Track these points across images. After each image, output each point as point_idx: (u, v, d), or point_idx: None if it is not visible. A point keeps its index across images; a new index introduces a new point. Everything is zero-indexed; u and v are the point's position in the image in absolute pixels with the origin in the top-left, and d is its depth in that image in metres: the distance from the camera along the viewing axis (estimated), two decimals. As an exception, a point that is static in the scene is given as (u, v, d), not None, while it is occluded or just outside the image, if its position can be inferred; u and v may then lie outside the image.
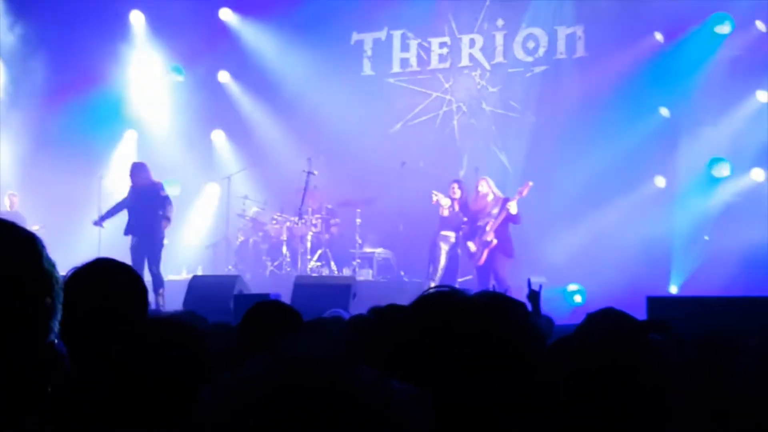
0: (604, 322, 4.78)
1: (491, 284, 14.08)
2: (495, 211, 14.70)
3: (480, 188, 15.02)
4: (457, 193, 15.37)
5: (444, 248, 15.31)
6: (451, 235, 15.34)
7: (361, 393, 1.17)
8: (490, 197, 14.93)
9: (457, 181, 15.65)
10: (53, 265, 1.66)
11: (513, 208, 14.50)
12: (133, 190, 15.12)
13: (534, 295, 6.97)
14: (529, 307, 6.72)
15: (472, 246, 14.80)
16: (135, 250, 14.64)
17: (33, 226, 13.97)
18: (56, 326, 1.64)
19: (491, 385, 1.98)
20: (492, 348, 2.04)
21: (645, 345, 4.11)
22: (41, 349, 1.60)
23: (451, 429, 1.70)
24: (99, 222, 15.51)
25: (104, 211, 15.62)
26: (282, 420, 1.12)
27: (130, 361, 2.77)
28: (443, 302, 2.17)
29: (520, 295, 5.48)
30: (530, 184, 14.62)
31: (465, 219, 15.19)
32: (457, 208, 15.27)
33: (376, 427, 1.14)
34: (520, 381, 2.00)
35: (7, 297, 1.56)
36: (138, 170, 15.22)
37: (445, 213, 15.41)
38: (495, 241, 14.53)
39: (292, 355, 1.21)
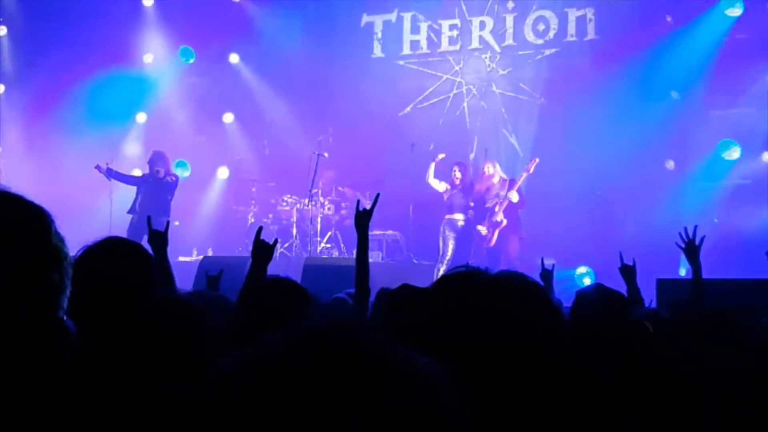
0: (595, 301, 4.80)
1: (501, 262, 14.12)
2: (503, 192, 14.74)
3: (486, 170, 15.08)
4: (458, 176, 15.38)
5: (450, 234, 15.30)
6: (459, 218, 15.33)
7: (386, 364, 1.17)
8: (496, 179, 14.98)
9: (458, 164, 15.67)
10: (62, 241, 1.66)
11: (513, 196, 14.54)
12: (149, 175, 15.28)
13: (547, 274, 6.98)
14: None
15: (482, 229, 14.83)
16: (133, 229, 14.71)
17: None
18: (65, 303, 1.63)
19: (511, 363, 1.99)
20: (513, 325, 2.05)
21: (634, 323, 4.13)
22: (49, 324, 1.60)
23: (471, 405, 1.72)
24: (108, 173, 15.77)
25: (119, 171, 15.80)
26: (304, 391, 1.11)
27: (137, 339, 2.79)
28: (466, 280, 2.18)
29: (532, 276, 5.49)
30: (536, 160, 14.69)
31: (471, 203, 15.21)
32: (459, 189, 15.29)
33: (402, 399, 1.13)
34: (540, 359, 2.02)
35: (14, 271, 1.55)
36: (157, 158, 15.44)
37: (446, 197, 15.43)
38: (505, 221, 14.56)
39: (314, 326, 1.21)
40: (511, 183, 14.76)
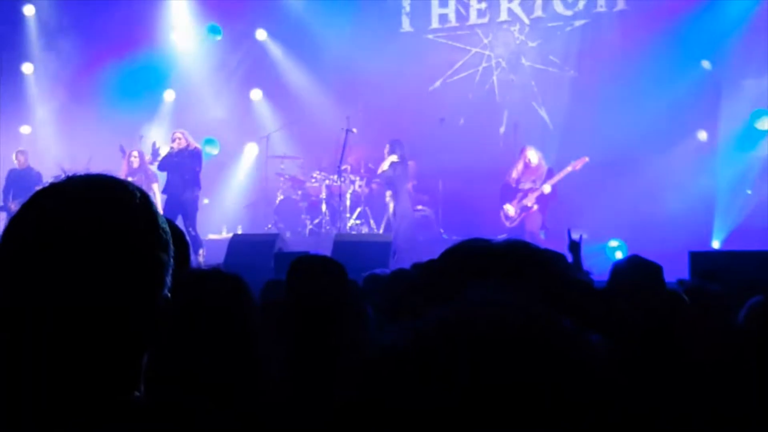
0: (630, 272, 4.76)
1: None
2: (540, 180, 14.69)
3: (531, 158, 14.83)
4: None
5: None
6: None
7: (561, 343, 1.17)
8: (535, 162, 14.80)
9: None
10: (165, 222, 1.74)
11: (546, 188, 14.46)
12: (177, 152, 15.38)
13: (575, 246, 6.92)
14: (570, 258, 6.67)
15: (510, 209, 14.74)
16: (168, 208, 14.80)
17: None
18: (169, 280, 1.72)
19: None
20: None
21: (670, 294, 4.09)
22: (161, 302, 1.69)
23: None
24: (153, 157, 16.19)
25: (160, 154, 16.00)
26: (483, 367, 1.11)
27: (177, 313, 2.78)
28: (472, 249, 2.15)
29: (560, 248, 5.44)
30: (586, 159, 14.54)
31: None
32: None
33: (577, 377, 1.14)
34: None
35: (136, 255, 1.65)
36: (178, 136, 15.59)
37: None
38: (536, 207, 14.48)
39: (487, 303, 1.20)
40: (549, 173, 14.66)
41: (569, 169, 14.60)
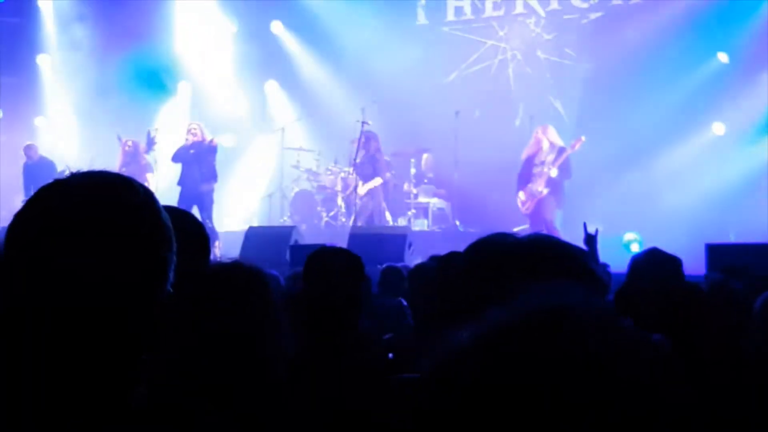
0: (649, 265, 4.75)
1: (542, 230, 13.99)
2: (551, 158, 14.55)
3: (544, 141, 14.74)
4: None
5: None
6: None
7: (626, 343, 1.17)
8: (546, 144, 14.67)
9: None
10: (168, 218, 1.73)
11: (553, 172, 14.36)
12: (192, 144, 15.43)
13: (590, 240, 6.91)
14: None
15: (522, 195, 14.67)
16: (183, 199, 14.85)
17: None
18: (172, 276, 1.71)
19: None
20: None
21: (690, 287, 4.09)
22: (164, 297, 1.70)
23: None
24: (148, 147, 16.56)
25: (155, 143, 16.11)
26: (550, 366, 1.12)
27: (198, 306, 2.79)
28: (495, 244, 2.15)
29: (576, 242, 5.42)
30: (582, 139, 14.46)
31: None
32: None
33: (643, 378, 1.14)
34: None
35: (140, 253, 1.66)
36: (193, 128, 15.68)
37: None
38: (545, 191, 14.40)
39: (553, 302, 1.21)
40: (560, 151, 14.55)
41: (569, 151, 14.50)
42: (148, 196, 1.70)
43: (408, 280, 6.23)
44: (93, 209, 1.63)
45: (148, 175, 16.25)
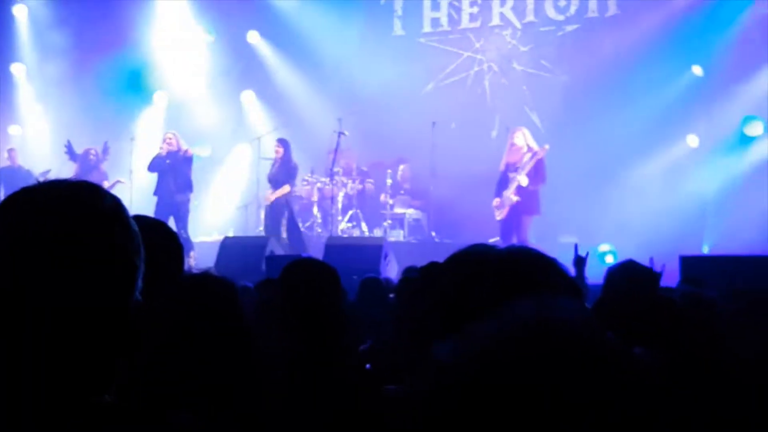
0: (623, 278, 4.79)
1: (513, 240, 13.98)
2: (530, 165, 14.48)
3: (516, 140, 14.65)
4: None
5: None
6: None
7: (610, 357, 1.18)
8: (525, 150, 14.59)
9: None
10: (136, 225, 1.73)
11: (523, 180, 14.28)
12: (168, 154, 15.42)
13: (580, 261, 6.96)
14: (574, 272, 6.69)
15: (496, 201, 14.63)
16: (160, 210, 14.84)
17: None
18: (140, 283, 1.71)
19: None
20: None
21: (663, 300, 4.12)
22: (133, 305, 1.69)
23: None
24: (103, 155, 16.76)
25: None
26: (535, 380, 1.13)
27: (170, 316, 2.80)
28: (475, 256, 2.17)
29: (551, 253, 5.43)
30: (546, 147, 14.46)
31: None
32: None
33: (625, 392, 1.15)
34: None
35: (111, 258, 1.66)
36: (169, 137, 15.67)
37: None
38: (515, 199, 14.34)
39: (540, 315, 1.21)
40: (534, 155, 14.47)
41: (535, 159, 14.42)
42: (115, 203, 1.71)
43: (396, 294, 6.23)
44: (58, 215, 1.63)
45: (105, 183, 16.27)
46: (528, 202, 14.34)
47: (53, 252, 1.60)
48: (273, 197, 15.82)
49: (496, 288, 2.02)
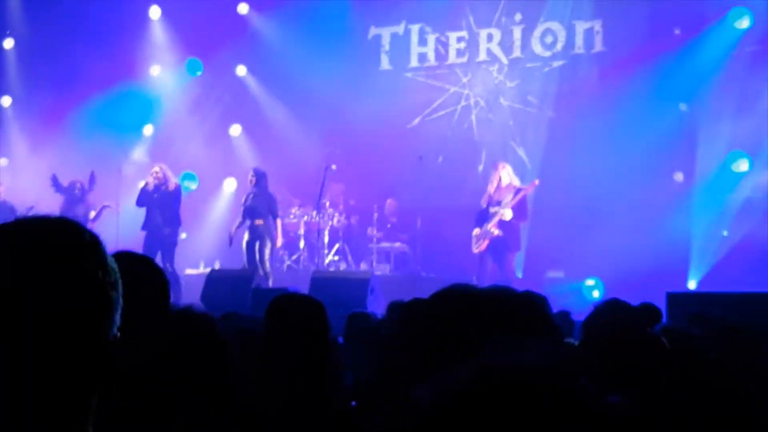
0: (606, 315, 4.79)
1: (489, 275, 13.96)
2: (508, 200, 14.49)
3: (500, 175, 14.64)
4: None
5: None
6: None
7: (582, 404, 1.18)
8: (506, 182, 14.59)
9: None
10: (114, 261, 1.72)
11: (507, 214, 14.28)
12: (155, 188, 15.39)
13: (565, 316, 6.97)
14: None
15: (476, 231, 14.60)
16: (148, 245, 14.81)
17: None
18: (118, 319, 1.70)
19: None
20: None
21: (649, 338, 4.12)
22: (112, 342, 1.68)
23: None
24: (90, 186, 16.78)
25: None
26: (506, 427, 1.13)
27: (154, 352, 2.79)
28: (456, 297, 2.17)
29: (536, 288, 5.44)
30: (536, 182, 14.53)
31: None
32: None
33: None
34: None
35: (88, 293, 1.64)
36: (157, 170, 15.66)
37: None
38: (497, 232, 14.32)
39: (514, 363, 1.22)
40: (517, 192, 14.49)
41: (523, 192, 14.47)
42: (93, 239, 1.70)
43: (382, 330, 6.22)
44: (35, 252, 1.62)
45: (92, 213, 16.27)
46: (510, 238, 14.35)
47: (25, 287, 1.58)
48: (261, 222, 15.57)
49: (477, 331, 2.02)
